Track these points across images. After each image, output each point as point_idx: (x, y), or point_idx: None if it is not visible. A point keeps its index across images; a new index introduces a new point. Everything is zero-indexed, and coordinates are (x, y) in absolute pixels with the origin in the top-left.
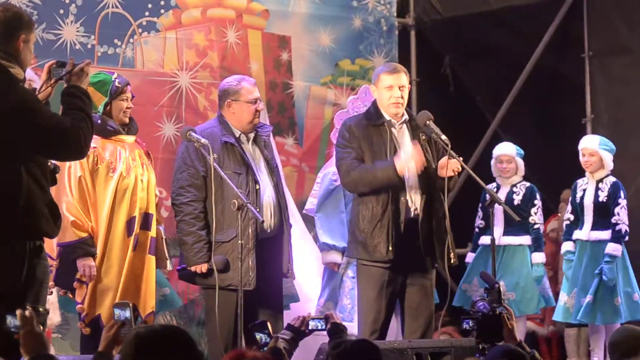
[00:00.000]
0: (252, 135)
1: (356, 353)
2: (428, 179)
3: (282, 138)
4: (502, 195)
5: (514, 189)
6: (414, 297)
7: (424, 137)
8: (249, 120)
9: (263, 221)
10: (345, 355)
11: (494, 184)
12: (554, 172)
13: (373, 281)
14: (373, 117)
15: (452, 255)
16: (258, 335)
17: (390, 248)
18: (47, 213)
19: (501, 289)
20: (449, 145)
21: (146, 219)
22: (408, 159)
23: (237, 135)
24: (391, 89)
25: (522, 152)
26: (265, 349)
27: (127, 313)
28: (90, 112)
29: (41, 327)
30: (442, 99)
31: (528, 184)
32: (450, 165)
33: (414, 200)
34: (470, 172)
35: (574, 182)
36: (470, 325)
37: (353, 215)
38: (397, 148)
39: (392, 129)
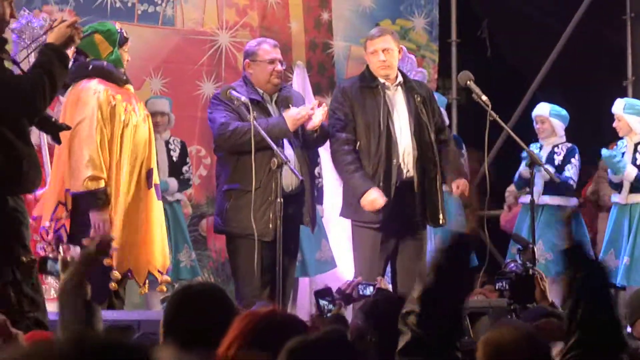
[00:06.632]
0: (274, 96)
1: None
2: (421, 140)
3: (322, 97)
4: (543, 155)
5: (555, 150)
6: (405, 257)
7: (419, 99)
8: (267, 80)
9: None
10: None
11: (538, 144)
12: (594, 134)
13: (366, 243)
14: (367, 79)
15: (440, 216)
16: (322, 302)
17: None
18: (26, 170)
19: (535, 250)
20: (490, 106)
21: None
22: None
23: (261, 95)
24: (375, 54)
25: (559, 112)
26: (329, 315)
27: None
28: (54, 69)
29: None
30: (481, 61)
31: (570, 145)
32: (460, 185)
33: (407, 162)
34: (511, 132)
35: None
36: (504, 285)
37: None
38: (390, 111)
39: (387, 91)
